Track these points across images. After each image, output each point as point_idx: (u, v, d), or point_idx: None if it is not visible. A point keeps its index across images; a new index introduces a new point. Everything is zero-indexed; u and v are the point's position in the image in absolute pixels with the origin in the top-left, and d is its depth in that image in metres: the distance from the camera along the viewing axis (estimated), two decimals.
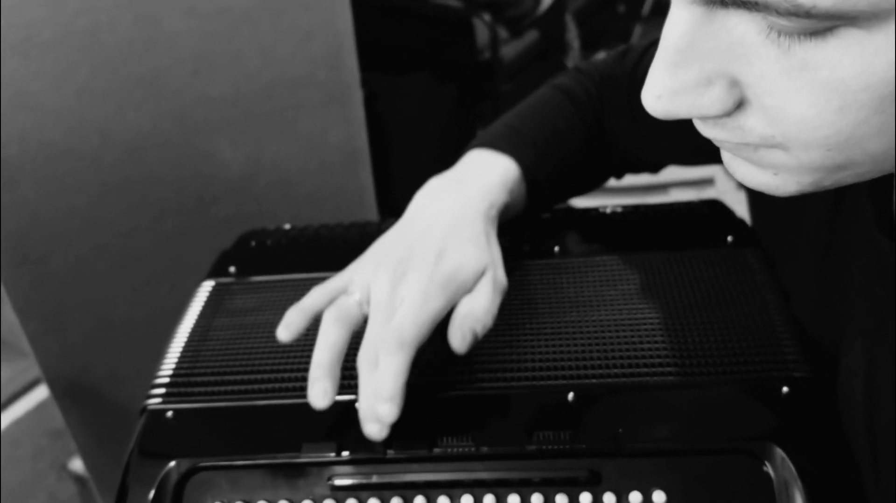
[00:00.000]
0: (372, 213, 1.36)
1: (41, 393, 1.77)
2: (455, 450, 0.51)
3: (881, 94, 0.32)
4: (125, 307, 1.24)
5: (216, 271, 0.69)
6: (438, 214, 0.60)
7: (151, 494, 0.51)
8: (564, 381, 0.54)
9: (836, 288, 0.53)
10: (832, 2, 0.29)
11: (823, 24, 0.31)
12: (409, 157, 1.81)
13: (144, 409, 0.57)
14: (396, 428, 0.52)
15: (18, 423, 1.77)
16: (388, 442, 0.52)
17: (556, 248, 0.66)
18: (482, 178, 0.64)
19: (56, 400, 1.23)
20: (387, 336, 0.53)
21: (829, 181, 0.38)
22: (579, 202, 0.84)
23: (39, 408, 1.78)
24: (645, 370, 0.54)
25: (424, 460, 0.51)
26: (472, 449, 0.51)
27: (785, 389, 0.52)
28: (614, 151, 0.73)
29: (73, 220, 1.15)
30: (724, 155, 0.41)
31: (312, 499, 0.51)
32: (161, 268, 1.24)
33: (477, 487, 0.50)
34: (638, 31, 2.36)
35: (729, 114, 0.37)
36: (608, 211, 0.72)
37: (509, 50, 2.08)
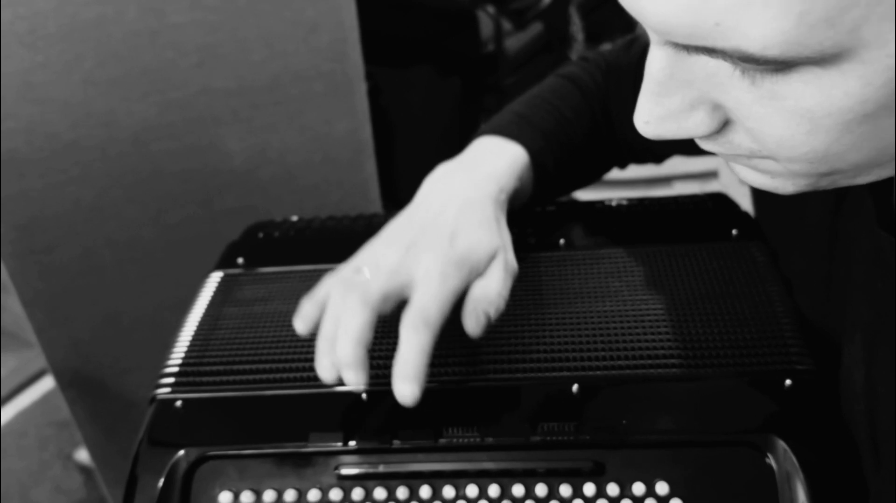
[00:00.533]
0: (376, 205, 1.37)
1: (47, 383, 1.77)
2: (460, 440, 0.51)
3: (845, 120, 0.34)
4: (130, 298, 1.25)
5: (224, 262, 0.70)
6: (449, 198, 0.60)
7: (160, 483, 0.52)
8: (569, 373, 0.54)
9: (838, 281, 0.53)
10: (778, 52, 0.31)
11: (780, 65, 0.33)
12: (413, 149, 1.81)
13: (154, 399, 0.57)
14: (402, 418, 0.53)
15: (24, 414, 1.78)
16: (394, 432, 0.52)
17: (562, 241, 0.67)
18: (491, 163, 0.64)
19: (62, 390, 1.24)
20: (411, 315, 0.52)
21: (825, 182, 0.40)
22: (584, 195, 0.84)
23: (45, 398, 1.78)
24: (649, 362, 0.54)
25: (430, 450, 0.51)
26: (478, 439, 0.51)
27: (788, 382, 0.52)
28: (620, 141, 0.73)
29: (78, 212, 1.16)
30: (729, 162, 0.43)
31: (319, 488, 0.51)
32: (166, 260, 1.24)
33: (482, 477, 0.51)
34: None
35: (717, 132, 0.39)
36: (613, 204, 0.72)
37: (513, 42, 2.07)
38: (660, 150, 0.75)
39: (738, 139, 0.39)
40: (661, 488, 0.49)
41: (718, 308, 0.58)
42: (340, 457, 0.52)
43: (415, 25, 1.91)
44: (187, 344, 0.61)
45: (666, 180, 1.73)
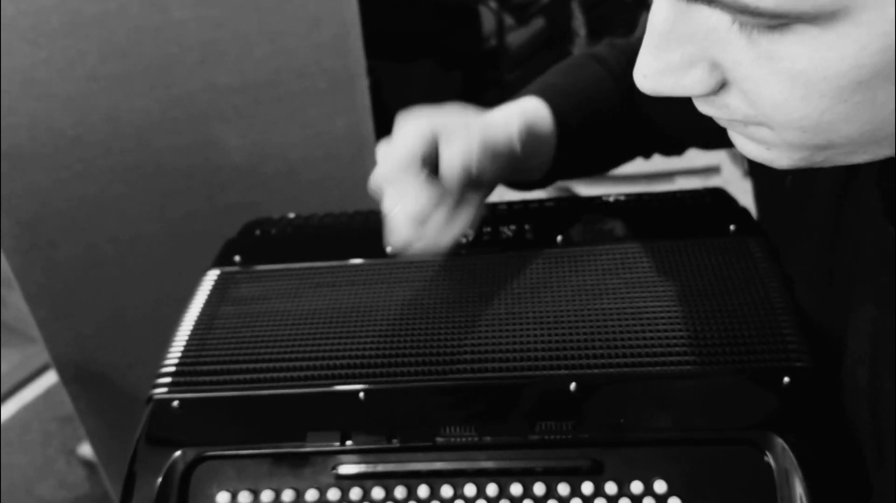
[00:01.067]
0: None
1: (50, 378, 1.78)
2: (458, 439, 0.51)
3: (839, 85, 0.33)
4: (133, 293, 1.25)
5: (221, 260, 0.70)
6: None
7: (158, 483, 0.52)
8: (567, 371, 0.54)
9: (842, 275, 0.53)
10: (774, 4, 0.31)
11: (777, 21, 0.33)
12: None
13: (151, 399, 0.57)
14: (400, 417, 0.53)
15: (27, 409, 1.78)
16: (392, 431, 0.52)
17: (559, 238, 0.66)
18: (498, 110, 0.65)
19: (65, 385, 1.24)
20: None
21: (820, 158, 0.39)
22: (584, 190, 0.84)
23: (48, 393, 1.79)
24: (647, 360, 0.54)
25: (428, 449, 0.51)
26: (476, 438, 0.51)
27: (786, 379, 0.52)
28: (644, 127, 0.73)
29: (81, 207, 1.16)
30: (730, 132, 0.43)
31: (317, 488, 0.51)
32: (168, 255, 1.25)
33: (480, 476, 0.51)
34: (644, 18, 2.33)
35: (713, 93, 0.39)
36: (611, 199, 0.72)
37: (515, 37, 2.07)
38: (676, 140, 0.75)
39: (734, 102, 0.39)
40: (660, 486, 0.49)
41: (716, 305, 0.58)
42: (338, 457, 0.52)
43: (416, 20, 1.91)
44: (184, 343, 0.61)
45: (667, 175, 1.73)
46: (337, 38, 1.19)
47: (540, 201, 0.73)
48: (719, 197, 0.71)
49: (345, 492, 0.51)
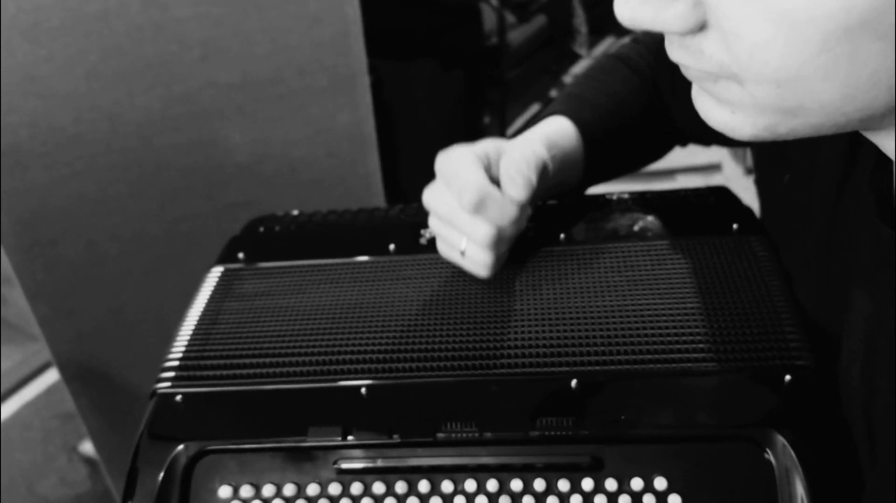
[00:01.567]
0: (379, 199, 1.37)
1: (52, 376, 1.78)
2: (459, 435, 0.52)
3: (825, 29, 0.33)
4: (134, 291, 1.25)
5: (225, 257, 0.70)
6: None
7: (160, 477, 0.52)
8: (568, 368, 0.54)
9: (838, 274, 0.53)
10: None
11: None
12: (417, 142, 1.81)
13: (154, 393, 0.57)
14: (401, 413, 0.53)
15: (29, 406, 1.79)
16: (393, 426, 0.52)
17: (562, 236, 0.67)
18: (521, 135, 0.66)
19: (66, 383, 1.25)
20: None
21: (784, 128, 0.39)
22: (588, 189, 0.84)
23: (50, 391, 1.79)
24: (648, 357, 0.54)
25: (429, 445, 0.52)
26: (476, 434, 0.51)
27: (787, 377, 0.52)
28: (674, 121, 0.74)
29: (82, 205, 1.16)
30: (693, 90, 0.43)
31: (319, 483, 0.52)
32: (170, 253, 1.25)
33: (480, 472, 0.51)
34: None
35: (691, 32, 0.38)
36: (614, 197, 0.72)
37: (516, 35, 2.07)
38: (697, 133, 0.76)
39: (710, 48, 0.38)
40: (660, 483, 0.49)
41: (718, 303, 0.58)
42: (339, 452, 0.52)
43: (418, 18, 1.91)
44: (188, 338, 0.61)
45: (669, 173, 1.73)
46: (338, 36, 1.20)
47: (543, 199, 0.73)
48: (723, 196, 0.71)
49: (346, 487, 0.51)
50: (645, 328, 0.56)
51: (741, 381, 0.53)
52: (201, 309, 0.64)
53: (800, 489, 0.48)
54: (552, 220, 0.68)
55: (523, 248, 0.65)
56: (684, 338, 0.55)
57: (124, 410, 1.29)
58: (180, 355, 0.60)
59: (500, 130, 2.05)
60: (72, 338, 1.22)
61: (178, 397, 0.56)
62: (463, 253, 0.60)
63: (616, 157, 0.72)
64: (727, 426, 0.51)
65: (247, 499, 0.52)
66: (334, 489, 0.51)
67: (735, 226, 0.65)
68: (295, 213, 0.77)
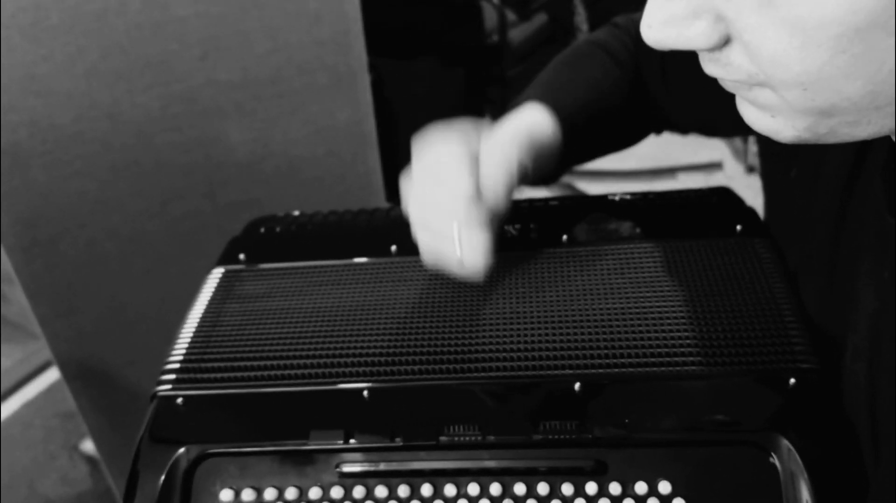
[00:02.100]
0: (380, 198, 1.36)
1: (53, 374, 1.78)
2: (462, 438, 0.51)
3: (835, 33, 0.33)
4: (135, 290, 1.25)
5: (226, 258, 0.70)
6: None
7: (161, 480, 0.52)
8: (571, 371, 0.54)
9: (844, 270, 0.53)
10: None
11: None
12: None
13: (155, 396, 0.57)
14: (403, 416, 0.53)
15: (30, 405, 1.79)
16: (396, 430, 0.52)
17: (564, 237, 0.66)
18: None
19: (67, 382, 1.24)
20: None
21: (824, 128, 0.39)
22: (588, 188, 0.84)
23: (51, 389, 1.79)
24: (652, 360, 0.54)
25: (432, 448, 0.51)
26: (479, 437, 0.51)
27: (792, 381, 0.52)
28: (653, 106, 0.74)
29: (82, 204, 1.16)
30: (737, 100, 0.43)
31: (320, 486, 0.51)
32: (170, 251, 1.24)
33: (483, 475, 0.51)
34: None
35: (717, 48, 0.39)
36: (617, 198, 0.72)
37: (517, 33, 2.07)
38: (683, 122, 0.75)
39: (737, 59, 0.39)
40: (664, 487, 0.49)
41: (722, 305, 0.57)
42: (342, 455, 0.52)
43: (418, 17, 1.90)
44: (188, 341, 0.61)
45: (670, 171, 1.72)
46: (338, 34, 1.19)
47: (545, 200, 0.73)
48: (726, 197, 0.71)
49: (348, 491, 0.51)
50: (648, 331, 0.56)
51: (745, 385, 0.52)
52: (202, 310, 0.64)
53: (805, 493, 0.48)
54: (554, 222, 0.68)
55: (526, 249, 0.65)
56: (688, 341, 0.55)
57: (125, 409, 1.29)
58: (181, 357, 0.60)
59: None
60: (72, 337, 1.22)
61: (179, 400, 0.56)
62: (459, 240, 0.59)
63: (592, 144, 0.72)
64: (731, 430, 0.51)
65: (248, 502, 0.51)
66: (336, 493, 0.51)
67: (738, 227, 0.65)
68: (295, 213, 0.77)
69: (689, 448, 0.50)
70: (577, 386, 0.53)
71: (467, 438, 0.51)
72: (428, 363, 0.56)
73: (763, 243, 0.63)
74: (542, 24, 2.13)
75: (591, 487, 0.49)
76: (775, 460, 0.49)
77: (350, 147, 1.29)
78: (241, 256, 0.69)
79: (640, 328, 0.56)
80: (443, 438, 0.51)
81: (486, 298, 0.61)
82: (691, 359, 0.54)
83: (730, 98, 0.44)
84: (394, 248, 0.67)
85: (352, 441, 0.52)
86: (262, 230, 0.74)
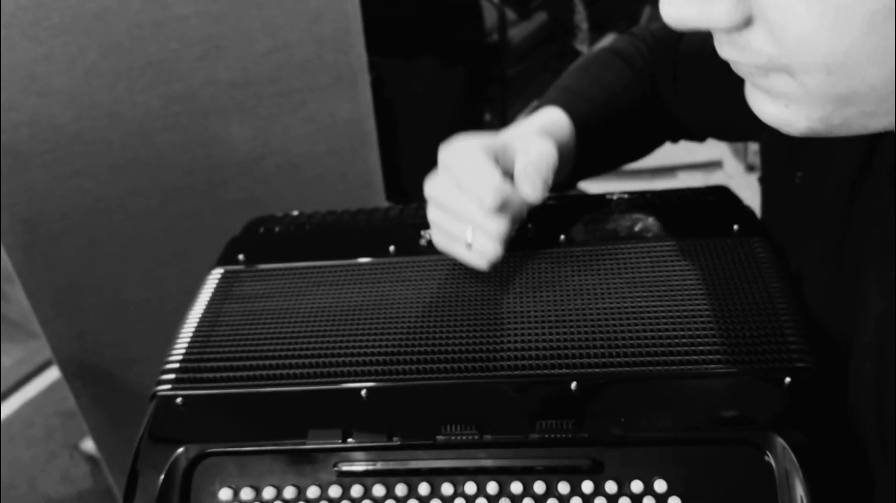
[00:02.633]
0: (380, 197, 1.37)
1: (54, 373, 1.78)
2: (459, 437, 0.52)
3: (870, 9, 0.33)
4: (135, 289, 1.25)
5: (225, 259, 0.70)
6: None
7: (161, 479, 0.52)
8: (568, 370, 0.54)
9: (851, 272, 0.53)
10: None
11: None
12: (417, 139, 1.81)
13: (154, 395, 0.57)
14: (401, 415, 0.53)
15: (31, 404, 1.79)
16: (393, 429, 0.52)
17: (562, 237, 0.66)
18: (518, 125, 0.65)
19: (67, 381, 1.25)
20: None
21: (838, 118, 0.39)
22: (586, 186, 0.84)
23: (51, 388, 1.79)
24: (648, 359, 0.54)
25: (429, 447, 0.52)
26: (476, 436, 0.51)
27: (787, 380, 0.52)
28: (669, 115, 0.74)
29: (83, 203, 1.16)
30: (746, 88, 0.43)
31: (319, 485, 0.52)
32: (171, 251, 1.25)
33: (480, 474, 0.51)
34: (647, 12, 2.34)
35: (737, 28, 0.38)
36: (615, 198, 0.72)
37: (517, 32, 2.07)
38: (696, 129, 0.76)
39: (757, 42, 0.38)
40: (660, 486, 0.49)
41: (719, 305, 0.58)
42: (340, 454, 0.52)
43: (418, 15, 1.90)
44: (188, 341, 0.61)
45: (670, 170, 1.72)
46: (338, 33, 1.19)
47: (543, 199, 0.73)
48: (723, 195, 0.71)
49: (346, 489, 0.51)
50: (645, 330, 0.56)
51: (741, 384, 0.53)
52: (202, 311, 0.64)
53: (800, 492, 0.48)
54: (552, 221, 0.68)
55: (523, 249, 0.65)
56: (684, 340, 0.55)
57: (125, 408, 1.29)
58: (181, 357, 0.60)
59: (501, 127, 2.03)
60: (72, 336, 1.23)
61: (179, 399, 0.56)
62: (469, 245, 0.60)
63: (608, 152, 0.72)
64: (727, 429, 0.51)
65: (247, 501, 0.52)
66: (334, 491, 0.51)
67: (736, 227, 0.65)
68: (295, 213, 0.77)
69: (684, 447, 0.50)
70: (573, 385, 0.53)
71: (464, 437, 0.52)
72: (426, 362, 0.56)
73: (760, 243, 0.63)
74: (541, 22, 2.13)
75: (588, 486, 0.50)
76: (770, 459, 0.49)
77: (350, 145, 1.30)
78: (241, 257, 0.69)
79: (637, 327, 0.57)
80: (440, 437, 0.52)
81: (483, 298, 0.61)
82: (687, 357, 0.54)
83: (740, 102, 0.44)
84: (392, 248, 0.67)
85: (350, 440, 0.52)
86: (262, 230, 0.74)
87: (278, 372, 0.57)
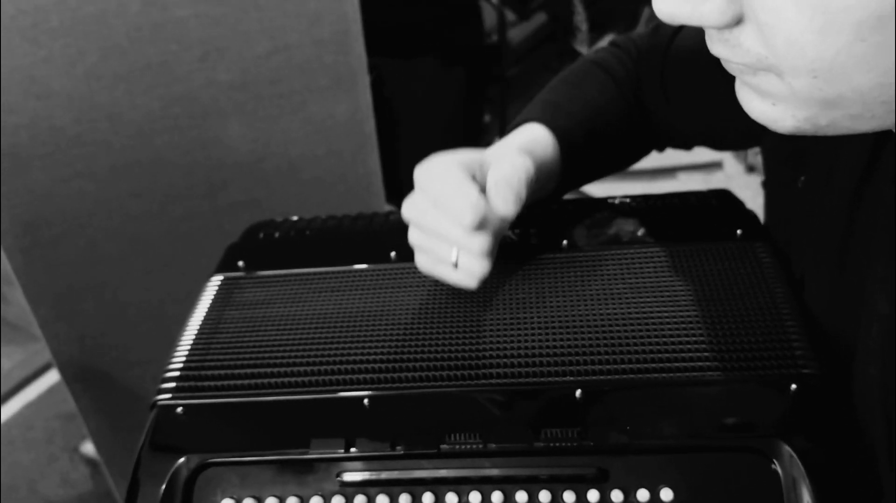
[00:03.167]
0: (380, 198, 1.36)
1: (54, 376, 1.78)
2: (463, 446, 0.51)
3: (859, 18, 0.33)
4: (135, 291, 1.25)
5: (224, 265, 0.69)
6: None
7: (162, 490, 0.52)
8: (572, 378, 0.54)
9: (855, 276, 0.52)
10: None
11: None
12: (418, 140, 1.81)
13: (155, 405, 0.57)
14: (404, 424, 0.53)
15: (31, 406, 1.79)
16: (396, 438, 0.52)
17: (565, 242, 0.66)
18: (501, 142, 0.64)
19: (67, 384, 1.24)
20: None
21: (825, 119, 0.39)
22: (588, 188, 0.84)
23: (52, 391, 1.79)
24: (653, 366, 0.54)
25: (433, 457, 0.51)
26: (480, 445, 0.51)
27: (793, 386, 0.51)
28: (655, 126, 0.74)
29: (83, 206, 1.16)
30: (736, 84, 0.43)
31: (321, 495, 0.51)
32: (171, 253, 1.24)
33: (485, 484, 0.50)
34: (646, 13, 2.34)
35: (728, 27, 0.39)
36: (616, 202, 0.72)
37: (517, 33, 2.07)
38: (685, 137, 0.75)
39: (747, 41, 0.38)
40: (666, 495, 0.49)
41: (723, 311, 0.57)
42: (342, 464, 0.52)
43: (418, 16, 1.90)
44: (188, 349, 0.61)
45: (670, 171, 1.72)
46: (337, 34, 1.19)
47: (545, 204, 0.72)
48: (726, 199, 0.70)
49: (349, 500, 0.51)
50: (649, 337, 0.56)
51: (747, 391, 0.52)
52: (201, 318, 0.63)
53: (807, 499, 0.48)
54: (554, 226, 0.68)
55: (526, 255, 0.65)
56: (689, 346, 0.55)
57: (125, 411, 1.29)
58: (181, 366, 0.59)
59: (501, 128, 2.05)
60: (72, 339, 1.22)
61: (179, 409, 0.56)
62: (456, 264, 0.59)
63: (592, 164, 0.72)
64: (733, 436, 0.50)
65: None
66: (337, 502, 0.51)
67: (739, 231, 0.64)
68: (294, 218, 0.76)
69: (690, 455, 0.50)
70: (578, 393, 0.53)
71: (468, 446, 0.51)
72: (428, 370, 0.56)
73: (763, 247, 0.63)
74: (541, 23, 2.13)
75: (593, 495, 0.49)
76: (777, 467, 0.49)
77: (350, 147, 1.29)
78: (240, 263, 0.69)
79: (641, 334, 0.56)
80: (444, 446, 0.51)
81: (486, 305, 0.61)
82: (692, 364, 0.54)
83: (733, 109, 0.44)
84: (393, 254, 0.67)
85: (353, 450, 0.52)
86: (261, 236, 0.74)
87: (279, 380, 0.57)
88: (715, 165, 1.72)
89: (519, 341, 0.57)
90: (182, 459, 0.53)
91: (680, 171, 1.72)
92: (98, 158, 1.14)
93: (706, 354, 0.54)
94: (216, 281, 0.68)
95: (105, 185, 1.16)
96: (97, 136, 1.12)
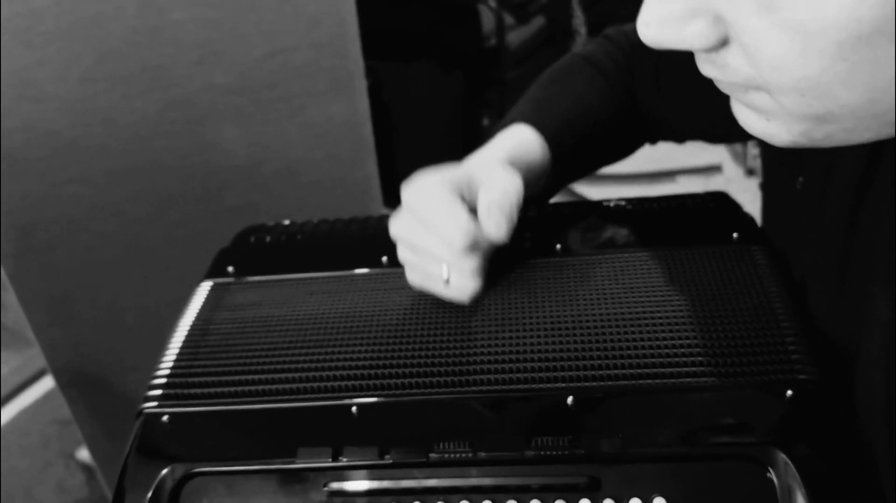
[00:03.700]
0: (377, 202, 1.36)
1: (49, 382, 1.78)
2: (452, 455, 0.50)
3: (838, 40, 0.33)
4: (131, 297, 1.25)
5: (214, 271, 0.69)
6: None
7: (147, 498, 0.51)
8: (564, 384, 0.53)
9: (857, 280, 0.52)
10: None
11: None
12: (416, 144, 1.81)
13: (140, 413, 0.56)
14: (393, 433, 0.52)
15: (27, 412, 1.79)
16: (385, 447, 0.51)
17: (558, 246, 0.65)
18: (485, 147, 0.64)
19: (62, 390, 1.24)
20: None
21: (819, 134, 0.39)
22: (584, 191, 0.83)
23: (47, 397, 1.79)
24: (646, 373, 0.53)
25: (422, 466, 0.50)
26: (470, 454, 0.50)
27: (789, 392, 0.51)
28: (646, 119, 0.73)
29: (78, 210, 1.16)
30: (731, 101, 0.43)
31: None
32: (167, 257, 1.24)
33: (475, 493, 0.50)
34: None
35: (714, 49, 0.39)
36: (612, 205, 0.71)
37: (515, 36, 2.07)
38: (678, 131, 0.75)
39: (734, 61, 0.38)
40: None
41: (719, 315, 0.57)
42: (330, 474, 0.51)
43: (416, 20, 1.90)
44: (175, 357, 0.60)
45: (669, 174, 1.71)
46: (335, 38, 1.19)
47: (539, 207, 0.72)
48: (723, 202, 0.70)
49: None
50: (643, 342, 0.55)
51: (742, 397, 0.51)
52: (189, 325, 0.63)
53: None
54: (548, 230, 0.67)
55: (519, 259, 0.64)
56: (683, 351, 0.54)
57: (121, 417, 1.28)
58: (167, 373, 0.59)
59: None
60: (68, 344, 1.22)
61: (165, 417, 0.55)
62: (447, 282, 0.58)
63: (583, 160, 0.71)
64: (727, 444, 0.50)
65: None
66: None
67: (735, 234, 0.64)
68: (286, 222, 0.76)
69: (684, 463, 0.49)
70: (569, 400, 0.52)
71: (458, 455, 0.50)
72: (418, 376, 0.55)
73: (760, 251, 0.62)
74: (540, 27, 2.13)
75: None
76: (772, 475, 0.48)
77: (348, 150, 1.29)
78: (230, 269, 0.68)
79: (635, 340, 0.56)
80: (433, 455, 0.50)
81: (478, 310, 0.60)
82: (686, 369, 0.53)
83: (726, 102, 0.43)
84: (385, 259, 0.66)
85: (341, 459, 0.51)
86: (252, 240, 0.73)
87: (266, 387, 0.56)
88: (714, 168, 1.72)
89: (510, 347, 0.56)
90: (168, 468, 0.52)
91: (679, 174, 1.72)
92: (94, 162, 1.14)
93: (700, 359, 0.54)
94: (205, 287, 0.67)
95: (101, 189, 1.16)
96: (93, 140, 1.12)
